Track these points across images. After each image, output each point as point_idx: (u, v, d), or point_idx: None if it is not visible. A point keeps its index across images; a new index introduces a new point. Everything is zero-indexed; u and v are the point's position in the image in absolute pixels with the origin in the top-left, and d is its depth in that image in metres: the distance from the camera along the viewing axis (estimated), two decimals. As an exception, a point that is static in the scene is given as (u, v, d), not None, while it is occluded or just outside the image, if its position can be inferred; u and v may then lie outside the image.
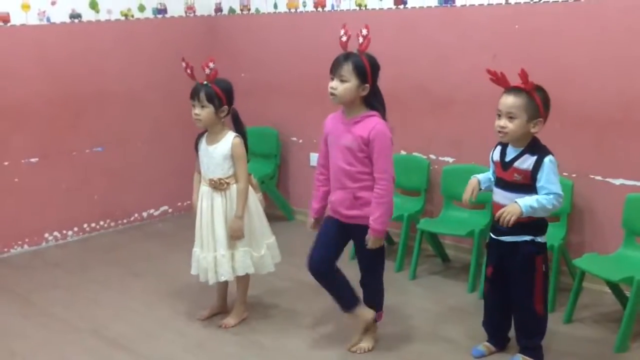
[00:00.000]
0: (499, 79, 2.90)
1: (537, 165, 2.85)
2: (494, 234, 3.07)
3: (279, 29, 5.26)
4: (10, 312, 3.89)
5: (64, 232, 5.07)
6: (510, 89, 2.88)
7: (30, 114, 4.78)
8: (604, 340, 3.35)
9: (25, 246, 4.90)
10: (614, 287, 3.51)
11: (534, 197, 2.85)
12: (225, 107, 3.42)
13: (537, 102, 2.84)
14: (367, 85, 3.03)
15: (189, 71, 3.43)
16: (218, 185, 3.43)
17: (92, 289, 4.17)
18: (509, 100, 2.86)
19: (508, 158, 2.95)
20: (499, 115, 2.90)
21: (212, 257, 3.45)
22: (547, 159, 2.85)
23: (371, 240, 3.09)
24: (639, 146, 3.65)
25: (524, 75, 2.81)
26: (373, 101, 3.08)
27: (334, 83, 3.03)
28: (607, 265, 3.44)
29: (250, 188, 3.51)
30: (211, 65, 3.38)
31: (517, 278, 3.01)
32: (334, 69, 3.04)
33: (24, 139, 4.78)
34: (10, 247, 4.83)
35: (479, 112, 4.11)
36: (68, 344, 3.49)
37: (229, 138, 3.43)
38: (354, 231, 3.17)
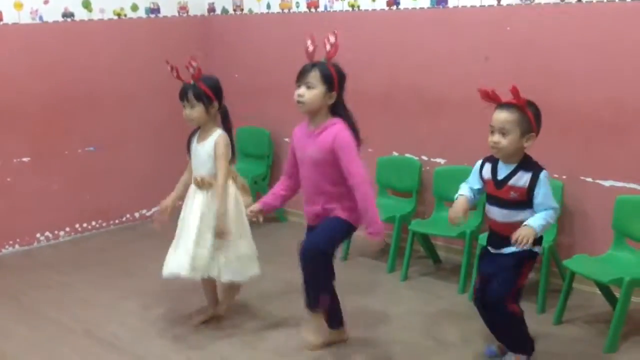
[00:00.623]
0: (490, 97, 2.89)
1: (533, 181, 2.86)
2: (492, 248, 3.06)
3: (272, 30, 5.26)
4: (2, 312, 3.88)
5: (56, 232, 5.06)
6: (503, 105, 2.87)
7: (22, 113, 4.77)
8: (594, 341, 3.37)
9: (17, 246, 4.89)
10: (604, 288, 3.54)
11: (540, 215, 2.85)
12: (215, 103, 3.42)
13: (530, 116, 2.84)
14: (334, 92, 3.03)
15: (174, 73, 3.43)
16: (200, 184, 3.43)
17: (84, 289, 4.17)
18: (502, 116, 2.85)
19: (501, 176, 2.94)
20: (492, 131, 2.89)
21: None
22: (542, 175, 2.87)
23: (375, 244, 3.02)
24: (628, 148, 3.68)
25: (515, 91, 2.81)
26: (339, 110, 3.08)
27: (301, 90, 3.03)
28: (597, 266, 3.46)
29: (237, 193, 3.47)
30: (194, 64, 3.36)
31: (499, 273, 2.95)
32: (301, 77, 3.04)
33: (15, 138, 4.77)
34: (2, 247, 4.82)
35: (471, 113, 4.09)
36: (60, 345, 3.49)
37: (215, 136, 3.41)
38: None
